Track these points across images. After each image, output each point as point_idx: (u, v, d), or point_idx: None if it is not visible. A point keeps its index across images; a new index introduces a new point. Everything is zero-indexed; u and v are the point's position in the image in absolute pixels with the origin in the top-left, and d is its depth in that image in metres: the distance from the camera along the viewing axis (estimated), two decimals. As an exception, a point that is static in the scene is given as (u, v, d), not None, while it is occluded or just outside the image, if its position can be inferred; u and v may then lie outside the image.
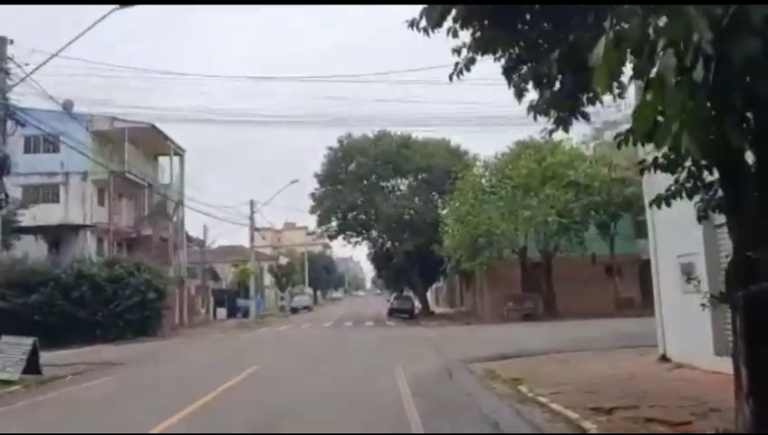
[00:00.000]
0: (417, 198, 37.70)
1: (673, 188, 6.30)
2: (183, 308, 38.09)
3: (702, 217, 6.12)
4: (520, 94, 6.02)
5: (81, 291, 28.05)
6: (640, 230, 33.97)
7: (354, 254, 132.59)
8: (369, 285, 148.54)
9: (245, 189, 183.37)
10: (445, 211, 33.12)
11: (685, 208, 11.84)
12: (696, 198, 6.28)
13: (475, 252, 29.38)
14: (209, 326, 37.79)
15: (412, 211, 37.21)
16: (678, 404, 8.19)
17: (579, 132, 30.65)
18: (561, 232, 27.99)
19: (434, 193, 37.40)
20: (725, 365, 10.84)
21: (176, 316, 36.37)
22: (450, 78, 5.93)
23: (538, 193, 27.54)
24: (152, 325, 30.12)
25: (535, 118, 5.89)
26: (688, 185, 6.08)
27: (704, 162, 5.46)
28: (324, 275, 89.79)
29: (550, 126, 6.07)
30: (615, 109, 29.79)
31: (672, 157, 5.67)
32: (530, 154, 28.46)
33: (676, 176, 6.12)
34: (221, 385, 11.54)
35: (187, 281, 42.15)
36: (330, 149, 37.88)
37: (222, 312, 46.88)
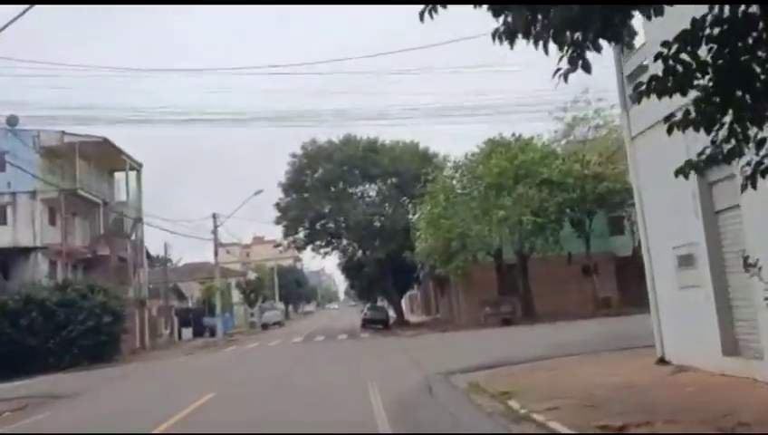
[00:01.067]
0: (387, 204, 36.43)
1: (708, 151, 5.11)
2: (144, 330, 36.15)
3: (748, 184, 4.89)
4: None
5: (30, 317, 26.28)
6: (615, 227, 33.38)
7: (326, 266, 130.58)
8: (342, 296, 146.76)
9: (210, 204, 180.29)
10: (416, 216, 31.89)
11: (681, 195, 10.90)
12: (742, 161, 5.07)
13: (449, 256, 28.23)
14: (173, 348, 35.88)
15: (382, 217, 35.90)
16: (698, 417, 7.00)
17: (549, 130, 29.87)
18: (536, 232, 27.01)
19: (404, 198, 36.16)
20: (736, 366, 9.83)
21: (136, 339, 34.45)
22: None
23: (511, 192, 26.54)
24: (109, 350, 28.33)
25: (546, 49, 4.21)
26: (728, 145, 4.88)
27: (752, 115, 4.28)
28: (295, 289, 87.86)
29: (563, 65, 4.40)
30: (584, 103, 29.27)
31: (709, 107, 4.47)
32: (501, 152, 27.46)
33: (712, 136, 4.93)
34: (171, 417, 10.06)
35: (148, 301, 40.22)
36: (293, 156, 36.40)
37: (187, 332, 44.90)
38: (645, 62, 11.61)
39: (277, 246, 37.83)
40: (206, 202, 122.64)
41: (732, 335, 9.47)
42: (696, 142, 10.04)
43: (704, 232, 9.76)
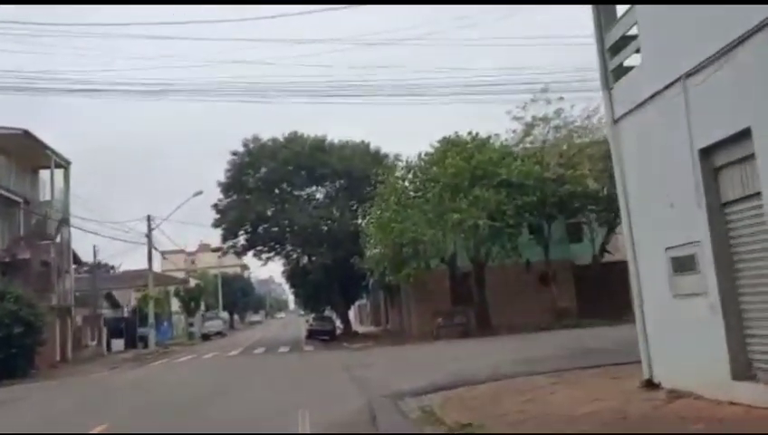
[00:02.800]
0: (334, 208, 34.21)
1: None
2: (66, 342, 32.86)
3: None
4: None
5: (-73, 328, 23.06)
6: (573, 234, 32.00)
7: (275, 275, 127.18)
8: (292, 306, 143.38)
9: (151, 207, 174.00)
10: (365, 220, 29.74)
11: (678, 184, 9.14)
12: None
13: (401, 263, 26.22)
14: (98, 361, 32.72)
15: (330, 221, 33.68)
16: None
17: (508, 129, 28.26)
18: (493, 237, 25.26)
19: (353, 201, 34.04)
20: (749, 393, 8.04)
21: (56, 352, 31.21)
22: None
23: (467, 194, 24.72)
24: (21, 365, 25.19)
25: None
26: None
27: None
28: (241, 298, 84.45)
29: None
30: (544, 102, 27.84)
31: None
32: (456, 152, 25.66)
33: None
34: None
35: (75, 310, 36.88)
36: (234, 153, 33.73)
37: (119, 343, 41.55)
38: (630, 32, 9.98)
39: (216, 250, 34.94)
40: (147, 206, 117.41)
41: (744, 355, 7.68)
42: (702, 120, 8.53)
43: (708, 228, 7.98)
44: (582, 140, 26.87)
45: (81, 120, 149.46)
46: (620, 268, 30.65)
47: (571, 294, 30.00)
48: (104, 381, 20.66)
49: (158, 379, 19.83)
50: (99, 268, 77.88)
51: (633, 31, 9.71)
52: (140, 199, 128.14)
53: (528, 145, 27.95)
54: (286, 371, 18.23)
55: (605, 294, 29.51)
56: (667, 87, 8.57)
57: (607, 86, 10.22)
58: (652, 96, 8.93)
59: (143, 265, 56.99)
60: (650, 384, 9.51)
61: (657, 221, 9.19)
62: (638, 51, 9.61)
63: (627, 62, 10.21)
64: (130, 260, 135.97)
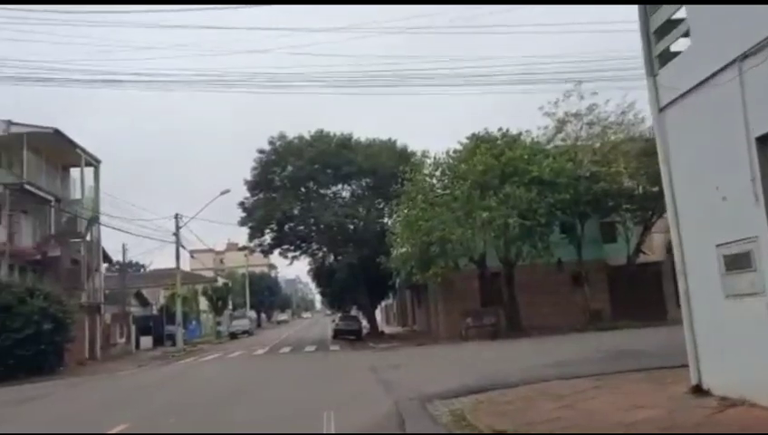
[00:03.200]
0: (360, 207, 33.77)
1: None
2: (95, 339, 33.00)
3: None
4: None
5: (-43, 323, 23.21)
6: (607, 234, 31.09)
7: (302, 275, 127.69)
8: (318, 306, 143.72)
9: (178, 206, 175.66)
10: (392, 219, 29.24)
11: (732, 176, 8.50)
12: None
13: (428, 262, 25.66)
14: (127, 359, 32.82)
15: (355, 220, 33.25)
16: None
17: (540, 125, 27.53)
18: (523, 236, 24.56)
19: (379, 200, 33.56)
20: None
21: (85, 349, 31.34)
22: None
23: (497, 192, 24.09)
24: (51, 362, 25.28)
25: None
26: None
27: None
28: (268, 297, 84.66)
29: None
30: (576, 98, 27.08)
31: None
32: (486, 149, 25.03)
33: None
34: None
35: (105, 308, 37.10)
36: (260, 152, 33.48)
37: (147, 341, 41.74)
38: (676, 15, 9.34)
39: (242, 249, 34.78)
40: (176, 205, 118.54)
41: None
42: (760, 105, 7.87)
43: (767, 223, 7.37)
44: (617, 137, 26.05)
45: (112, 120, 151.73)
46: (655, 269, 29.98)
47: (604, 296, 29.16)
48: (130, 379, 20.54)
49: (183, 378, 19.63)
50: (129, 267, 79.17)
51: (680, 14, 9.10)
52: (169, 199, 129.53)
53: (560, 142, 27.20)
54: (312, 371, 17.85)
55: (639, 295, 28.67)
56: (719, 71, 7.96)
57: (651, 72, 9.59)
58: (702, 81, 8.31)
59: (173, 263, 57.51)
60: (699, 390, 8.89)
61: (707, 216, 8.57)
62: (685, 34, 9.00)
63: (672, 48, 9.61)
64: (160, 259, 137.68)
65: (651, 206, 27.23)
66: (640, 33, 9.70)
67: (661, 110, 9.48)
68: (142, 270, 72.07)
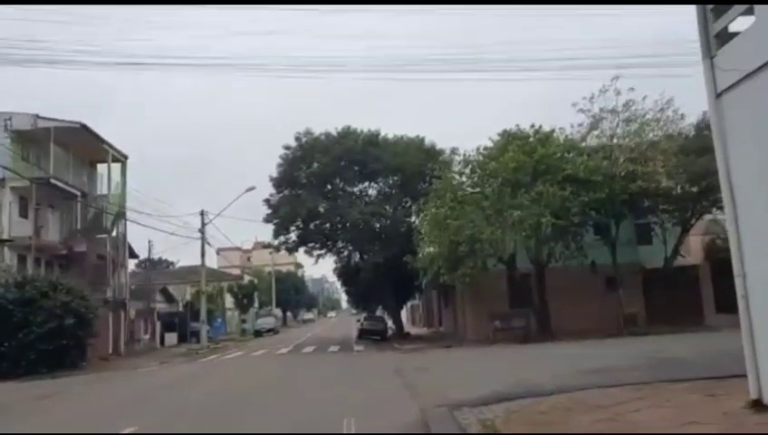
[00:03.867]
0: (387, 205, 33.10)
1: None
2: (119, 335, 32.89)
3: None
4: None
5: (-21, 317, 23.10)
6: (641, 236, 29.95)
7: (329, 274, 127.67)
8: (344, 305, 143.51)
9: (205, 203, 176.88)
10: (419, 217, 28.45)
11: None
12: None
13: (456, 262, 24.87)
14: (150, 355, 32.62)
15: (382, 218, 32.57)
16: None
17: (574, 122, 26.51)
18: (556, 236, 23.63)
19: (406, 199, 32.81)
20: None
21: (108, 345, 31.20)
22: None
23: (529, 190, 23.20)
24: (73, 356, 25.09)
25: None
26: None
27: None
28: (294, 296, 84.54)
29: None
30: (613, 93, 26.02)
31: None
32: (518, 145, 24.15)
33: None
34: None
35: (129, 303, 37.01)
36: (286, 148, 33.00)
37: (172, 337, 41.64)
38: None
39: (267, 246, 34.33)
40: (204, 202, 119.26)
41: None
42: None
43: None
44: (656, 134, 24.96)
45: (141, 117, 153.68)
46: (692, 273, 28.72)
47: (639, 300, 28.03)
48: (149, 377, 20.16)
49: (203, 376, 19.17)
50: (159, 264, 79.70)
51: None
52: (197, 196, 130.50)
53: (595, 140, 26.18)
54: (334, 373, 17.21)
55: (676, 300, 27.51)
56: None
57: (708, 54, 8.72)
58: (768, 62, 7.45)
59: (199, 260, 57.48)
60: (759, 405, 7.99)
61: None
62: (749, 11, 8.14)
63: (731, 28, 8.73)
64: (188, 256, 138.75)
65: (690, 206, 26.07)
66: (696, 10, 8.84)
67: (719, 95, 8.60)
68: (171, 267, 72.48)
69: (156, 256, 53.78)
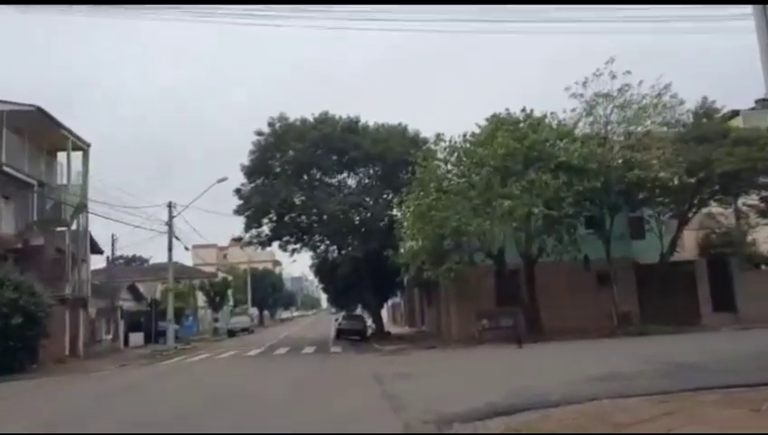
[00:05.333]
0: (367, 197, 31.14)
1: None
2: (77, 335, 30.53)
3: None
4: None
5: None
6: (635, 229, 28.39)
7: (309, 272, 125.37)
8: (324, 304, 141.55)
9: (178, 197, 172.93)
10: (402, 209, 26.55)
11: None
12: None
13: (441, 257, 23.10)
14: (110, 357, 30.36)
15: (362, 209, 30.60)
16: None
17: (567, 107, 24.85)
18: (548, 228, 21.95)
19: (388, 190, 30.85)
20: None
21: (65, 346, 28.87)
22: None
23: (520, 179, 21.48)
24: (20, 359, 22.84)
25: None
26: None
27: None
28: (271, 294, 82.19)
29: None
30: (608, 77, 24.42)
31: None
32: (508, 130, 22.40)
33: None
34: None
35: (91, 301, 34.60)
36: (259, 134, 30.74)
37: (138, 337, 39.31)
38: None
39: (237, 240, 32.03)
40: (177, 197, 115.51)
41: None
42: None
43: None
44: (653, 120, 23.41)
45: (112, 109, 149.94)
46: (687, 269, 27.13)
47: (633, 298, 26.48)
48: (100, 383, 18.01)
49: (157, 382, 17.09)
50: (133, 261, 76.90)
51: None
52: (169, 190, 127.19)
53: (588, 126, 24.55)
54: (305, 379, 15.21)
55: (671, 297, 26.04)
56: None
57: (763, -3, 7.01)
58: None
59: (174, 257, 54.99)
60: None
61: None
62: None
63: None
64: (163, 253, 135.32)
65: (688, 198, 24.56)
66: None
67: None
68: (145, 264, 69.90)
69: (120, 252, 51.30)
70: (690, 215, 25.14)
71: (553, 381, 11.51)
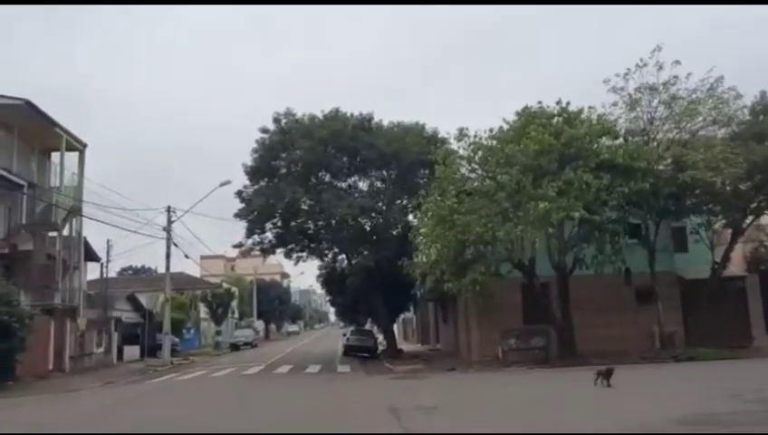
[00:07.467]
0: (380, 201, 28.51)
1: None
2: (63, 348, 28.04)
3: None
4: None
5: None
6: (678, 241, 25.58)
7: (317, 285, 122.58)
8: (333, 318, 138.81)
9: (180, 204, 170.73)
10: (419, 213, 23.88)
11: None
12: None
13: (463, 267, 20.45)
14: (98, 373, 27.83)
15: (374, 215, 27.93)
16: None
17: (606, 102, 22.13)
18: (588, 236, 19.26)
19: (403, 195, 28.20)
20: None
21: (48, 360, 26.36)
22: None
23: (555, 179, 18.84)
24: (-5, 374, 20.51)
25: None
26: None
27: None
28: (278, 307, 79.50)
29: None
30: (653, 68, 21.80)
31: None
32: (541, 125, 19.79)
33: None
34: None
35: (83, 311, 32.11)
36: (263, 131, 28.13)
37: (133, 351, 36.80)
38: None
39: (237, 246, 29.42)
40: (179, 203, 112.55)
41: None
42: None
43: None
44: (708, 114, 20.76)
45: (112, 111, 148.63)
46: (737, 285, 24.11)
47: (677, 316, 23.63)
48: (70, 405, 15.40)
49: (132, 407, 14.47)
50: (143, 272, 74.47)
51: None
52: (175, 198, 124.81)
53: (629, 123, 21.90)
54: (304, 409, 12.49)
55: (718, 317, 23.18)
56: None
57: None
58: None
59: (180, 267, 52.47)
60: None
61: None
62: None
63: None
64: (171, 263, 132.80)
65: (743, 206, 21.80)
66: None
67: None
68: (154, 274, 67.55)
69: (121, 260, 49.09)
70: (746, 225, 22.39)
71: (624, 423, 8.81)
